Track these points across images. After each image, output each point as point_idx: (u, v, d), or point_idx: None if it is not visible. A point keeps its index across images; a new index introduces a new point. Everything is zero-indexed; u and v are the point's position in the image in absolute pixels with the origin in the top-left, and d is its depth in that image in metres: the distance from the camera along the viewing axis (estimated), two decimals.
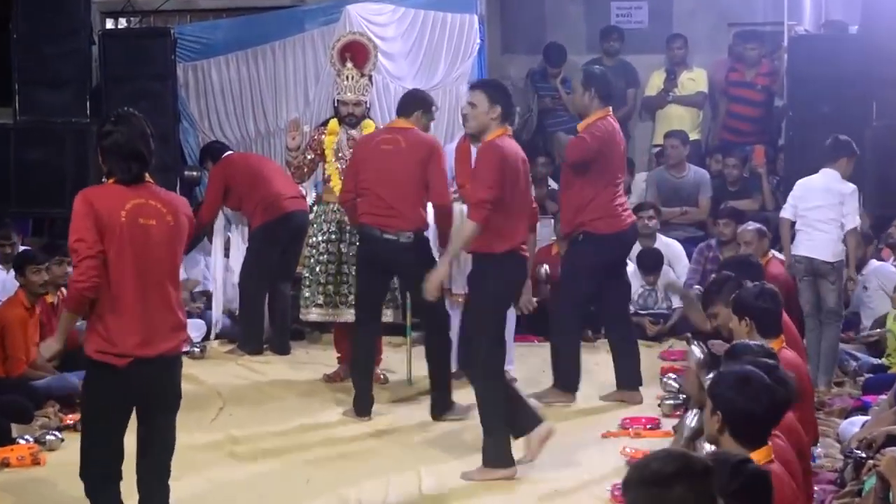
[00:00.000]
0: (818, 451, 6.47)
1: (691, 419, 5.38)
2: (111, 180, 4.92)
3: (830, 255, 8.42)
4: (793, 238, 8.62)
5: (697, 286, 9.80)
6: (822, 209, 8.42)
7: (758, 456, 4.02)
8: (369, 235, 7.62)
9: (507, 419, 6.50)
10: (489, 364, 6.48)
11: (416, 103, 7.90)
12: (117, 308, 4.77)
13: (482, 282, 6.59)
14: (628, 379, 8.14)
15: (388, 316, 8.43)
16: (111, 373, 4.79)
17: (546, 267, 9.90)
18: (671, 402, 7.52)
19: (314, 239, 8.59)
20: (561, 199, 8.22)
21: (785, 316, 6.52)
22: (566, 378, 7.99)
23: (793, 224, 8.63)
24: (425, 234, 7.75)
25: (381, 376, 8.48)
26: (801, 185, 8.67)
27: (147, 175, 4.97)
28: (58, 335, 5.06)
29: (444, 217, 7.74)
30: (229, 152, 10.03)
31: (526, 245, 6.81)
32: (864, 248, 9.34)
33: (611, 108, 8.09)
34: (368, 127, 8.57)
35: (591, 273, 7.94)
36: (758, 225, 9.02)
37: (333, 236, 8.46)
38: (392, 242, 7.50)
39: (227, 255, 10.05)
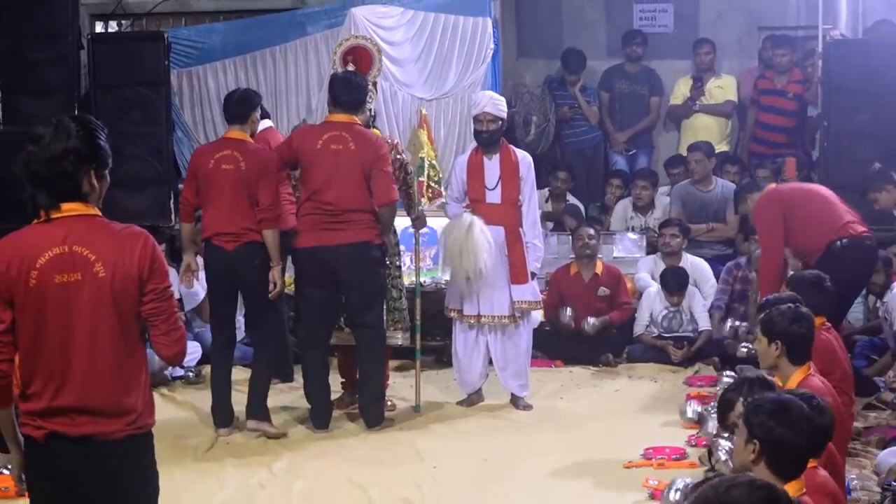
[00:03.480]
0: (854, 482, 6.51)
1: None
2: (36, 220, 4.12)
3: None
4: None
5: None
6: None
7: (790, 489, 4.07)
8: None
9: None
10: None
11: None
12: (34, 389, 4.09)
13: None
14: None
15: (397, 339, 8.52)
16: (34, 448, 4.13)
17: (570, 313, 10.04)
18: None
19: None
20: None
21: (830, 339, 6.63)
22: None
23: None
24: None
25: (388, 402, 8.55)
26: None
27: (86, 204, 4.13)
28: (8, 445, 4.22)
29: None
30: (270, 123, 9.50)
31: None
32: None
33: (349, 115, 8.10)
34: None
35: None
36: None
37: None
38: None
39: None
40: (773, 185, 8.98)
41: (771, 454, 4.11)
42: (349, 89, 8.04)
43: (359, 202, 7.93)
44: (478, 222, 8.33)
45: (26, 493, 4.23)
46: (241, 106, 8.15)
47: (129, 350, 4.14)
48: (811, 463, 4.20)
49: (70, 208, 4.08)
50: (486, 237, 8.32)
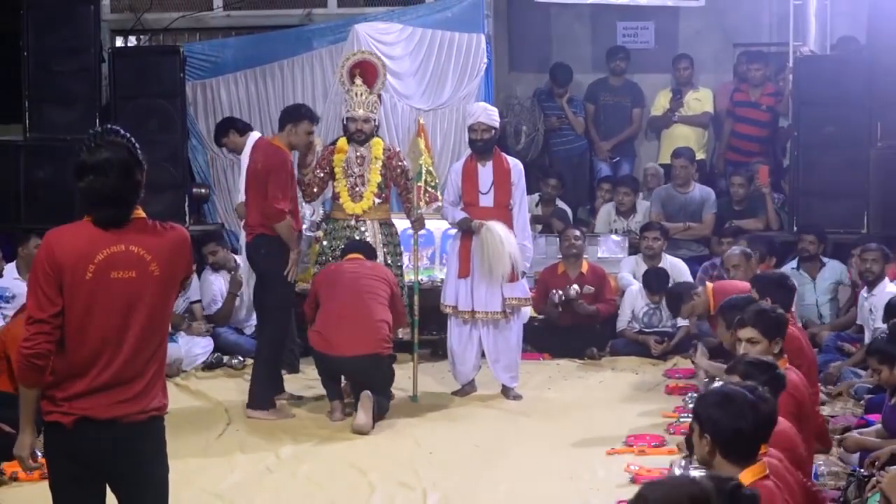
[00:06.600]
0: (821, 468, 6.49)
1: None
2: (88, 217, 4.10)
3: None
4: None
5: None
6: None
7: (751, 473, 4.05)
8: None
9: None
10: None
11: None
12: (73, 372, 4.07)
13: None
14: None
15: (397, 334, 8.49)
16: (60, 433, 4.08)
17: (559, 293, 10.00)
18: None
19: (324, 257, 8.65)
20: None
21: (797, 334, 6.62)
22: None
23: None
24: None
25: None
26: None
27: (136, 210, 4.13)
28: (22, 425, 4.15)
29: None
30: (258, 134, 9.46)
31: None
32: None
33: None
34: (377, 145, 8.66)
35: None
36: (742, 247, 9.06)
37: (342, 253, 8.48)
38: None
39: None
40: (710, 284, 8.83)
41: (721, 444, 4.06)
42: (364, 245, 8.39)
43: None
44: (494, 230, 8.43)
45: (36, 474, 4.21)
46: (282, 116, 8.40)
47: (162, 339, 4.20)
48: (760, 473, 4.10)
49: (135, 214, 4.12)
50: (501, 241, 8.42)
